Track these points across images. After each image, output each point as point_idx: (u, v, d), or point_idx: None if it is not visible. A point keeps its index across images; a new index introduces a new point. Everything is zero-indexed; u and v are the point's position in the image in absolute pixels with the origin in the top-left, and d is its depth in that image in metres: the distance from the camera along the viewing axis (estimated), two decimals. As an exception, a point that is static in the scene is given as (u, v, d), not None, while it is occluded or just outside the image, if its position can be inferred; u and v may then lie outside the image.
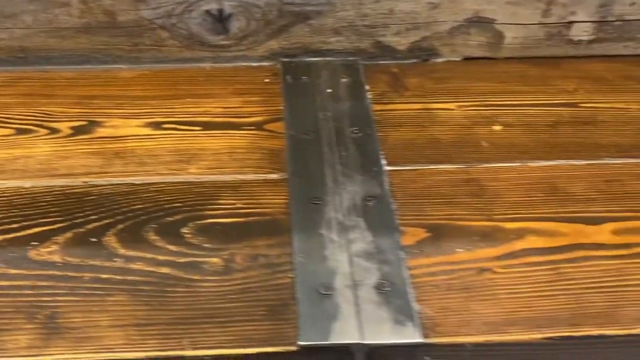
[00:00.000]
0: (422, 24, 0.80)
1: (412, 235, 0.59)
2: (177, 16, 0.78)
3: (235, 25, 0.79)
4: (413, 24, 0.80)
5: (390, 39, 0.81)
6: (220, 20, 0.78)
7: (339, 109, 0.73)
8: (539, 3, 0.79)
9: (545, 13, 0.79)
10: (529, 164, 0.66)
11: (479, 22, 0.80)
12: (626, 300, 0.53)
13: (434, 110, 0.73)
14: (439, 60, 0.82)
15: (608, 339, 0.50)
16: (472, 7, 0.79)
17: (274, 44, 0.80)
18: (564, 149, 0.68)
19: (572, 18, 0.80)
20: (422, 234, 0.59)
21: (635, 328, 0.50)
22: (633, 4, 0.79)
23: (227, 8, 0.77)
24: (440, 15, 0.79)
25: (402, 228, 0.59)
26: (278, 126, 0.71)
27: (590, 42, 0.81)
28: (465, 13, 0.79)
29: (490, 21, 0.80)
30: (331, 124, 0.71)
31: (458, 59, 0.82)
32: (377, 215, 0.60)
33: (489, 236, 0.58)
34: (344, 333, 0.50)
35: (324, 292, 0.53)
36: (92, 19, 0.77)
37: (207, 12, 0.77)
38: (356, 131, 0.70)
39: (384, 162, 0.66)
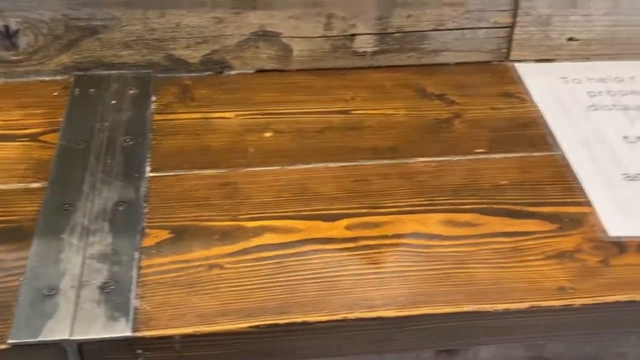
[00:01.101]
0: (210, 37, 0.82)
1: (155, 237, 0.61)
2: (-38, 32, 0.78)
3: (24, 41, 0.80)
4: (202, 38, 0.82)
5: (181, 52, 0.83)
6: (7, 36, 0.79)
7: (118, 119, 0.75)
8: (320, 17, 0.83)
9: (327, 26, 0.83)
10: (288, 167, 0.69)
11: (265, 35, 0.83)
12: (337, 289, 0.56)
13: (213, 120, 0.76)
14: (232, 72, 0.85)
15: (311, 325, 0.53)
16: (257, 22, 0.82)
17: (65, 59, 0.81)
18: (325, 152, 0.71)
19: (353, 31, 0.84)
20: (165, 235, 0.61)
21: (337, 314, 0.54)
22: (409, 16, 0.84)
23: (13, 24, 0.78)
24: (227, 29, 0.82)
25: (146, 230, 0.61)
26: (52, 137, 0.72)
27: (374, 53, 0.86)
28: (251, 27, 0.82)
29: (276, 35, 0.83)
30: (106, 133, 0.73)
31: (251, 71, 0.85)
32: (125, 219, 0.62)
33: (228, 235, 0.61)
34: (55, 330, 0.51)
35: (47, 293, 0.54)
36: None
37: (-8, 28, 0.78)
38: (128, 140, 0.72)
39: (148, 168, 0.68)
